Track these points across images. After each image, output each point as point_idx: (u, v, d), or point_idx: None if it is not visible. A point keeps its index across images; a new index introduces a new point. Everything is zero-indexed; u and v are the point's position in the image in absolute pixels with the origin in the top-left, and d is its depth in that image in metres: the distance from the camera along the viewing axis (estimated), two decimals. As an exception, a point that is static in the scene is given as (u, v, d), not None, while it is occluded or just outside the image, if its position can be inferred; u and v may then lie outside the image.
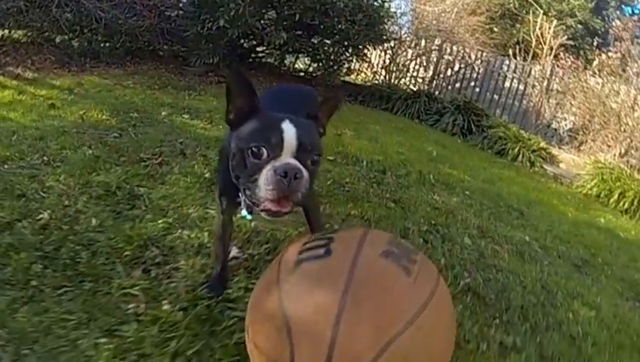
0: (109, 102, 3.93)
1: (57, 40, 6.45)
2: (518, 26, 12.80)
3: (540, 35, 8.76)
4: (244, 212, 1.44)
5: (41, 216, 1.92)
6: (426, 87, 8.60)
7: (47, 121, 3.23)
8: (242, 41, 6.75)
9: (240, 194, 1.40)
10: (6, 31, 6.40)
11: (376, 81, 8.41)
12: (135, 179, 2.35)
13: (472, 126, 6.61)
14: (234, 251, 1.85)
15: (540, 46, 8.74)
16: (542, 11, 11.20)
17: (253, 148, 1.25)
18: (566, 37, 9.10)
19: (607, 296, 2.37)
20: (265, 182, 1.23)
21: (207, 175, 2.50)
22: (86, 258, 1.67)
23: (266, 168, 1.24)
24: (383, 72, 8.63)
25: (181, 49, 6.69)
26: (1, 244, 1.70)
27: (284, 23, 6.21)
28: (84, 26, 6.27)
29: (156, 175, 2.44)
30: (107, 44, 6.40)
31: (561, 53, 8.25)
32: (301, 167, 1.24)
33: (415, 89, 7.96)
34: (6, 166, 2.34)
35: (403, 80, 8.58)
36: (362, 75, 8.93)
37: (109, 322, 1.40)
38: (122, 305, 1.47)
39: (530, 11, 11.02)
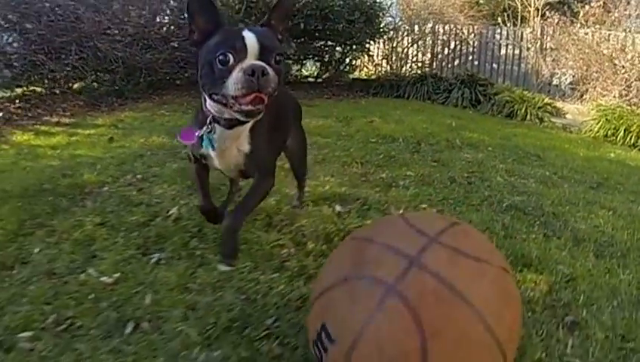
0: (159, 128, 4.39)
1: (80, 85, 6.98)
2: None
3: None
4: (205, 145, 1.66)
5: (170, 212, 2.30)
6: (427, 70, 9.20)
7: (116, 151, 3.57)
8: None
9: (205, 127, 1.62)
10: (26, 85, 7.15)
11: (381, 73, 9.09)
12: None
13: (480, 96, 7.21)
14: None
15: (527, 9, 9.22)
16: None
17: (220, 56, 1.43)
18: None
19: (620, 202, 3.04)
20: (234, 82, 1.41)
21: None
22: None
23: (235, 70, 1.41)
24: (384, 63, 9.35)
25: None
26: (150, 236, 2.06)
27: (290, 32, 6.94)
28: (104, 69, 6.86)
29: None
30: (129, 82, 6.93)
31: (547, 12, 8.74)
32: (266, 65, 1.42)
33: (420, 72, 8.61)
34: (106, 188, 2.67)
35: (405, 67, 9.29)
36: (365, 69, 9.64)
37: (273, 264, 2.02)
38: (275, 252, 2.12)
39: None
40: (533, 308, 1.65)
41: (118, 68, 6.75)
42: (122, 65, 6.69)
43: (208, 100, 1.57)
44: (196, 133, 1.64)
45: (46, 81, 6.92)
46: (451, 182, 2.93)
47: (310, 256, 1.94)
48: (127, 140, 3.94)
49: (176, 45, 7.16)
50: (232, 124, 1.60)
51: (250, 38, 1.44)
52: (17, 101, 6.60)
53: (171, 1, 7.47)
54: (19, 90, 6.99)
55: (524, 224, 2.40)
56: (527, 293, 1.74)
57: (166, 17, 7.54)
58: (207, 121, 1.61)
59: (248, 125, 1.65)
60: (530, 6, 9.09)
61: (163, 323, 1.48)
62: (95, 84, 7.07)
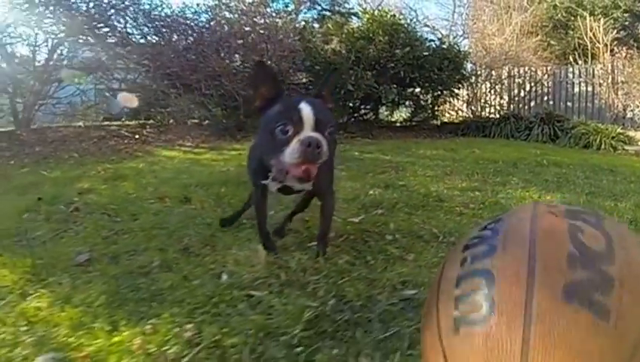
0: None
1: (202, 117, 8.82)
2: (570, 32, 14.27)
3: (592, 36, 10.42)
4: (271, 185, 2.01)
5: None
6: (505, 111, 10.68)
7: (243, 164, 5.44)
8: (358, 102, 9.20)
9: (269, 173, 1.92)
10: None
11: (463, 117, 10.70)
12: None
13: (558, 131, 8.69)
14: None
15: (596, 45, 10.34)
16: (587, 13, 12.59)
17: (280, 127, 1.69)
18: (615, 30, 10.76)
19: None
20: (292, 152, 1.67)
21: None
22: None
23: (293, 141, 1.68)
24: (464, 107, 11.02)
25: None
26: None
27: (391, 80, 8.60)
28: (227, 105, 8.56)
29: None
30: (252, 118, 8.35)
31: (615, 48, 9.89)
32: (321, 137, 1.68)
33: (502, 114, 10.17)
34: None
35: (484, 110, 10.92)
36: (447, 114, 11.23)
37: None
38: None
39: (577, 16, 12.77)
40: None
41: (238, 104, 8.43)
42: (243, 102, 8.33)
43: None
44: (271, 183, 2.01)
45: (171, 113, 8.79)
46: (546, 182, 4.52)
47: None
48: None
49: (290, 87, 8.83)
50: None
51: (307, 111, 1.72)
52: (147, 127, 8.57)
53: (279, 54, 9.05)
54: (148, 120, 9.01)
55: (599, 199, 3.95)
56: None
57: (282, 63, 9.01)
58: (269, 180, 2.00)
59: None
60: (599, 42, 10.15)
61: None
62: (219, 117, 8.76)
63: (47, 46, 9.51)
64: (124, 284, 2.01)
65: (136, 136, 8.23)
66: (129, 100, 10.97)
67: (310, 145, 1.66)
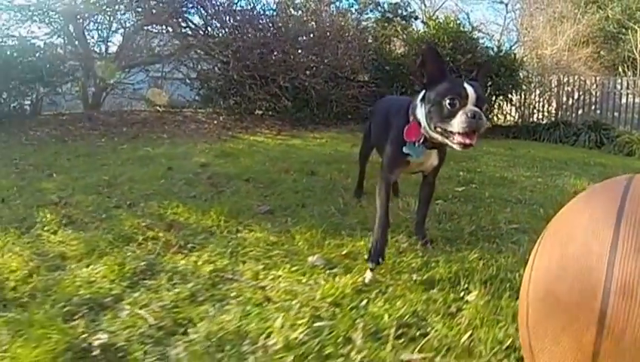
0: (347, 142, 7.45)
1: (276, 108, 10.02)
2: (621, 44, 15.07)
3: None
4: (414, 154, 2.39)
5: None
6: (552, 118, 11.82)
7: (336, 149, 6.86)
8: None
9: (406, 150, 2.35)
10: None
11: (512, 122, 11.98)
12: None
13: (604, 139, 9.94)
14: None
15: None
16: (637, 27, 13.65)
17: (450, 100, 2.11)
18: None
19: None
20: (460, 122, 2.08)
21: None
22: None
23: (460, 113, 2.09)
24: (513, 112, 12.20)
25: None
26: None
27: None
28: (301, 98, 9.72)
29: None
30: (320, 110, 9.80)
31: None
32: (481, 112, 2.09)
33: (552, 120, 11.51)
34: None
35: (533, 116, 12.14)
36: (495, 118, 12.19)
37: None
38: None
39: (628, 29, 13.89)
40: None
41: (311, 98, 9.62)
42: (316, 96, 9.58)
43: (425, 127, 2.29)
44: (414, 139, 2.36)
45: (248, 103, 9.92)
46: (593, 175, 5.85)
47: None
48: (335, 147, 7.12)
49: (358, 84, 10.18)
50: (433, 145, 2.39)
51: (471, 89, 2.11)
52: (223, 115, 9.88)
53: (351, 52, 10.34)
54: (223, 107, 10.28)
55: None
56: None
57: (349, 61, 10.30)
58: (421, 138, 2.34)
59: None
60: None
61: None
62: (292, 109, 9.88)
63: (121, 34, 11.07)
64: (324, 222, 3.01)
65: (215, 122, 9.67)
66: (157, 96, 12.43)
67: (475, 116, 2.07)
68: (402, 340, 1.70)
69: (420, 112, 2.31)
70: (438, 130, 2.20)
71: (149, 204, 3.45)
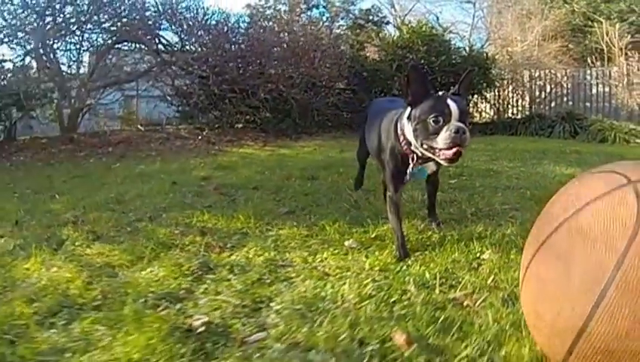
0: (334, 149, 8.01)
1: (257, 120, 10.27)
2: (588, 36, 15.98)
3: (608, 41, 12.13)
4: (419, 175, 2.67)
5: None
6: (527, 112, 12.40)
7: (326, 155, 7.21)
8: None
9: (407, 171, 2.57)
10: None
11: (488, 118, 12.52)
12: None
13: (577, 128, 10.52)
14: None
15: (612, 49, 12.05)
16: (603, 18, 14.26)
17: (433, 118, 2.23)
18: (630, 35, 12.38)
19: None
20: (444, 138, 2.21)
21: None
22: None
23: (444, 129, 2.22)
24: (487, 108, 12.71)
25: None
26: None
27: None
28: (282, 108, 10.01)
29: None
30: (302, 120, 10.15)
31: (629, 52, 11.46)
32: (465, 126, 2.22)
33: (526, 114, 12.05)
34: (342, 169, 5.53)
35: (509, 111, 12.66)
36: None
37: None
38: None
39: (594, 21, 14.55)
40: None
41: (292, 108, 9.97)
42: (297, 106, 9.93)
43: (414, 145, 2.44)
44: (410, 170, 2.59)
45: (229, 116, 10.19)
46: (570, 162, 6.35)
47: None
48: (326, 154, 7.53)
49: (337, 91, 10.51)
50: (425, 160, 2.56)
51: (454, 105, 2.24)
52: (206, 130, 9.99)
53: (327, 61, 10.73)
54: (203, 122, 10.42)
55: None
56: None
57: (326, 69, 10.67)
58: (415, 160, 2.54)
59: None
60: (615, 46, 11.84)
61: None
62: (275, 120, 10.23)
63: (92, 53, 11.08)
64: (345, 215, 3.37)
65: (199, 137, 9.91)
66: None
67: (458, 131, 2.20)
68: (444, 286, 2.19)
69: (408, 130, 2.45)
70: (425, 146, 2.35)
71: (171, 215, 3.61)
